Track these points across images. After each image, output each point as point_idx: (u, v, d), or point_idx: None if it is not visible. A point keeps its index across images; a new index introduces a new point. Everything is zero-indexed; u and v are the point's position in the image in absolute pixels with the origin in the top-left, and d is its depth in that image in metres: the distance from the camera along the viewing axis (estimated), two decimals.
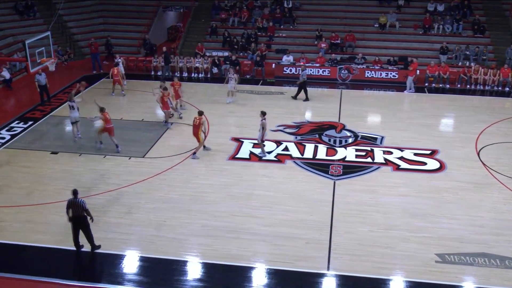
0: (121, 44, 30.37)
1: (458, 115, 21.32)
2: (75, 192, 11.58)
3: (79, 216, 11.55)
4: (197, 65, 26.50)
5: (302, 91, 22.49)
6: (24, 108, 21.47)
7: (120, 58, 24.37)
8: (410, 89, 23.91)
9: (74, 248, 11.88)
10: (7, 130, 18.98)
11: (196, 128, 16.47)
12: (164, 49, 26.66)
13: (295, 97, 22.60)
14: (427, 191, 14.80)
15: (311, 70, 25.95)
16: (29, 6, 30.02)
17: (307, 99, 22.46)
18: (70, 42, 30.02)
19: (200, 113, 16.67)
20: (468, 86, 24.67)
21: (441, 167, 16.24)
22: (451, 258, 11.79)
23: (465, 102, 22.98)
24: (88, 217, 11.64)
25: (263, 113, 16.60)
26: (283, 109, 21.22)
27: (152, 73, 26.69)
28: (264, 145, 16.86)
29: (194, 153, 16.75)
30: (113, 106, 21.19)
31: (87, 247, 11.94)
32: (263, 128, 16.49)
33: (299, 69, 25.82)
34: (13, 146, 17.69)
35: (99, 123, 17.39)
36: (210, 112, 20.73)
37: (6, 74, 23.94)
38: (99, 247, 11.98)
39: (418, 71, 23.82)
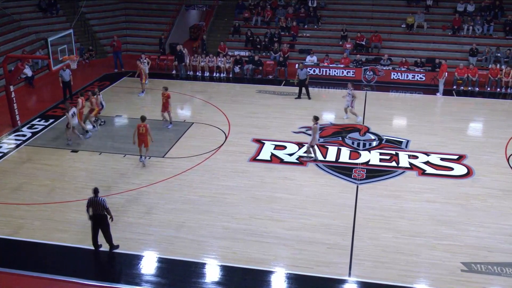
0: (142, 43, 30.43)
1: (488, 119, 20.68)
2: (96, 191, 11.51)
3: (99, 215, 11.49)
4: (219, 64, 26.33)
5: (303, 89, 22.30)
6: (46, 105, 21.59)
7: (146, 59, 24.27)
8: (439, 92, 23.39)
9: (93, 248, 11.81)
10: (28, 128, 19.07)
11: (144, 136, 15.77)
12: (178, 48, 26.56)
13: (308, 97, 22.29)
14: (454, 197, 14.37)
15: (335, 71, 25.66)
16: (52, 4, 30.25)
17: (299, 97, 22.30)
18: (92, 40, 30.21)
19: (143, 119, 15.99)
20: (498, 89, 24.04)
21: (469, 173, 15.76)
22: (478, 268, 11.42)
23: (495, 106, 22.34)
24: (108, 217, 11.56)
25: (316, 118, 16.21)
26: (305, 110, 20.82)
27: (174, 72, 26.63)
28: (314, 149, 16.46)
29: (144, 157, 16.14)
30: (135, 105, 21.23)
31: (105, 247, 11.86)
32: (313, 132, 16.16)
33: (323, 70, 25.60)
34: (34, 144, 17.76)
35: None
36: (232, 112, 20.60)
37: (28, 72, 24.08)
38: (117, 247, 11.90)
39: (446, 73, 23.22)
